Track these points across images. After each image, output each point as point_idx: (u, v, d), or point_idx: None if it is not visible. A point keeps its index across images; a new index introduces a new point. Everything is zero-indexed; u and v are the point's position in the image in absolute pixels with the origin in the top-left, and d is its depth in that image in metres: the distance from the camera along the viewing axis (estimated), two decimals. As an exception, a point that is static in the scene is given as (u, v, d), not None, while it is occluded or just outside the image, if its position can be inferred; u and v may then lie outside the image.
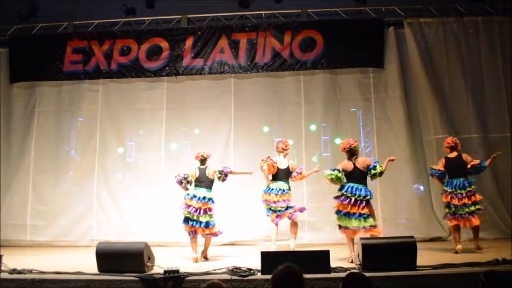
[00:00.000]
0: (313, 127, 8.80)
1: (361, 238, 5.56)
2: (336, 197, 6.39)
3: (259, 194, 8.16)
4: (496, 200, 8.22)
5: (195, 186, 6.80)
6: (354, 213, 6.19)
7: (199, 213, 6.52)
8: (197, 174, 6.82)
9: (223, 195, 7.94)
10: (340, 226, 6.35)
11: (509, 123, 8.44)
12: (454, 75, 8.63)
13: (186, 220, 6.58)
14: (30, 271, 5.46)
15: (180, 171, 6.86)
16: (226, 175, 6.87)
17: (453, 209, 6.68)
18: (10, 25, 9.32)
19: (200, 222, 6.52)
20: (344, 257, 6.23)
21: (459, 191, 6.71)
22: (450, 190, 6.74)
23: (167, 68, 8.91)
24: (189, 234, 6.62)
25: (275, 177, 7.15)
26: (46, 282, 5.22)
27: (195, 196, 6.64)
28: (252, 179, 8.15)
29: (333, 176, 6.39)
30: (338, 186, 6.44)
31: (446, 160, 6.94)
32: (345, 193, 6.28)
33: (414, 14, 8.79)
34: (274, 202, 7.01)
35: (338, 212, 6.35)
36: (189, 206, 6.57)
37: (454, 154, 6.96)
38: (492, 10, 8.76)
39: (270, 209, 7.09)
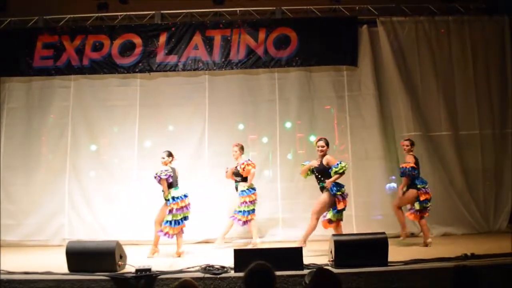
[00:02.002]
0: (288, 125, 8.81)
1: (333, 235, 5.60)
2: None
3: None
4: (466, 196, 8.41)
5: (175, 186, 6.90)
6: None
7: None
8: (173, 174, 6.90)
9: (198, 192, 7.95)
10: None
11: (477, 121, 8.64)
12: (425, 73, 8.77)
13: (186, 219, 6.92)
14: (-2, 272, 5.34)
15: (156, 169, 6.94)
16: None
17: (429, 203, 7.08)
18: (-22, 19, 9.06)
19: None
20: (318, 253, 6.28)
21: (426, 186, 7.16)
22: (422, 186, 7.10)
23: (140, 64, 8.78)
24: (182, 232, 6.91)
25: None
26: (14, 283, 5.10)
27: (184, 196, 6.88)
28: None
29: None
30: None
31: (416, 159, 7.27)
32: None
33: (387, 13, 8.87)
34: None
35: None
36: (185, 206, 6.87)
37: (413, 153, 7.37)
38: (463, 10, 8.92)
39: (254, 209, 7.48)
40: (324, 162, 6.69)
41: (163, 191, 6.82)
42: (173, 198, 6.78)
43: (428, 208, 7.11)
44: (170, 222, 6.72)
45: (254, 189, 7.59)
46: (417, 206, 7.05)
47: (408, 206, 7.29)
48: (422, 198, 7.03)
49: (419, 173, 7.24)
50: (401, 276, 5.15)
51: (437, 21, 8.89)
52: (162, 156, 6.99)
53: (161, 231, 6.76)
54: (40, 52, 8.89)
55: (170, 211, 6.72)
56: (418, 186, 7.08)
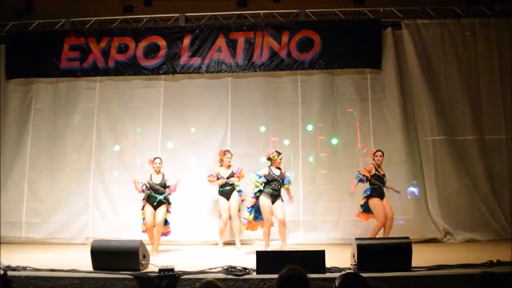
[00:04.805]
0: (310, 127, 8.79)
1: (356, 239, 5.56)
2: None
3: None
4: (491, 201, 8.26)
5: None
6: None
7: None
8: None
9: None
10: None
11: (504, 125, 8.48)
12: (450, 76, 8.65)
13: None
14: (25, 268, 5.43)
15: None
16: None
17: None
18: (7, 21, 9.26)
19: None
20: (340, 257, 6.24)
21: None
22: None
23: (164, 66, 8.89)
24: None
25: None
26: (41, 279, 5.18)
27: None
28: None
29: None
30: None
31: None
32: None
33: (411, 16, 8.78)
34: None
35: None
36: None
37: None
38: (489, 12, 8.78)
39: None
40: (283, 172, 7.33)
41: (161, 194, 7.34)
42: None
43: None
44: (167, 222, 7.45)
45: None
46: None
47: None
48: None
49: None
50: (425, 282, 5.07)
51: (463, 24, 8.76)
52: (159, 162, 7.43)
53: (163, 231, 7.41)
54: (67, 54, 9.08)
55: (168, 212, 7.41)
56: None
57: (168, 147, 8.86)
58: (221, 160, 7.95)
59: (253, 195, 7.19)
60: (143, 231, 7.33)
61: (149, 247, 6.95)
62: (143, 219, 7.33)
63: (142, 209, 7.37)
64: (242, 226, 7.41)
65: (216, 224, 8.10)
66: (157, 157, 7.53)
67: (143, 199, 7.37)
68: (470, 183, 8.32)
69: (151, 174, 7.43)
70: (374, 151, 7.56)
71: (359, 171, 7.45)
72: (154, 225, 7.27)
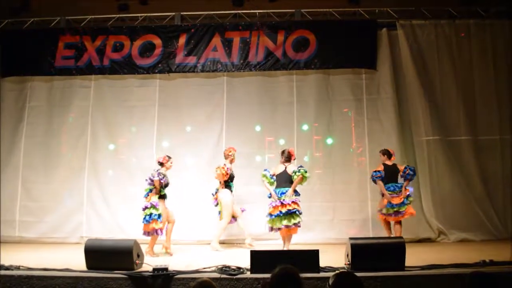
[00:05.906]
0: (305, 127, 8.81)
1: (350, 238, 5.57)
2: None
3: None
4: (485, 201, 8.30)
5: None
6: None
7: None
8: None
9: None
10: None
11: (498, 126, 8.52)
12: (445, 77, 8.68)
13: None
14: (18, 268, 5.41)
15: None
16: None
17: (395, 208, 7.42)
18: (1, 19, 9.21)
19: None
20: (334, 256, 6.25)
21: (396, 191, 7.51)
22: (390, 192, 7.48)
23: (159, 65, 8.88)
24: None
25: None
26: (34, 279, 5.17)
27: None
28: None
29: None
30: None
31: (385, 166, 7.64)
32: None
33: (407, 16, 8.82)
34: None
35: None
36: None
37: (390, 162, 7.72)
38: (484, 13, 8.82)
39: None
40: None
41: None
42: None
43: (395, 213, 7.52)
44: None
45: None
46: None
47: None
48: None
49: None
50: (418, 281, 5.09)
51: (458, 25, 8.81)
52: (171, 162, 7.32)
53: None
54: (62, 52, 9.05)
55: None
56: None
57: (164, 146, 8.84)
58: (229, 156, 7.76)
59: (299, 198, 7.11)
60: (161, 229, 7.03)
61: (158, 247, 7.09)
62: (159, 215, 6.95)
63: (157, 205, 7.01)
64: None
65: (211, 223, 8.07)
66: (170, 156, 7.37)
67: (160, 196, 7.10)
68: (464, 183, 8.37)
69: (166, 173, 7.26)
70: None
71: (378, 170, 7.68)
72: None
